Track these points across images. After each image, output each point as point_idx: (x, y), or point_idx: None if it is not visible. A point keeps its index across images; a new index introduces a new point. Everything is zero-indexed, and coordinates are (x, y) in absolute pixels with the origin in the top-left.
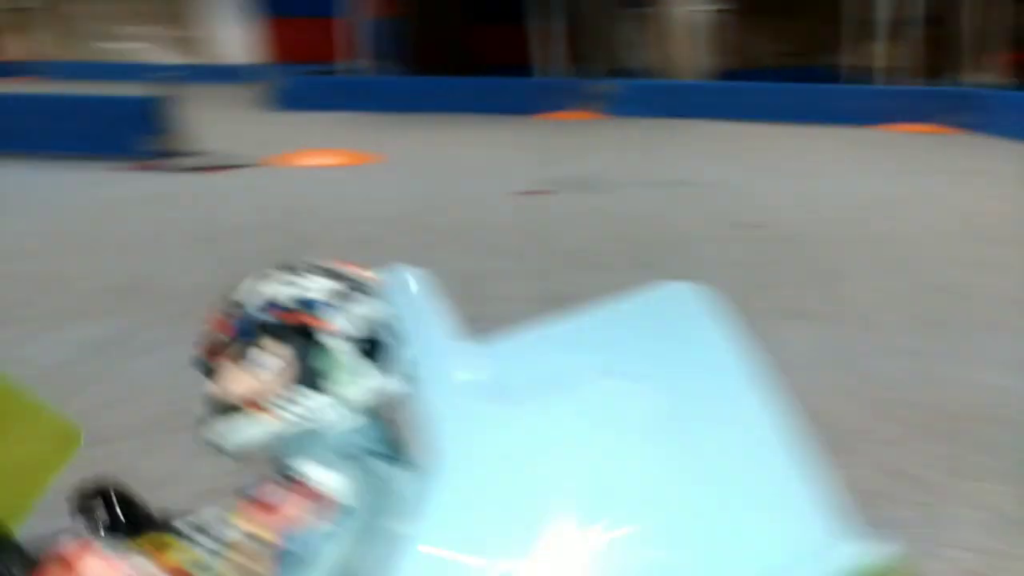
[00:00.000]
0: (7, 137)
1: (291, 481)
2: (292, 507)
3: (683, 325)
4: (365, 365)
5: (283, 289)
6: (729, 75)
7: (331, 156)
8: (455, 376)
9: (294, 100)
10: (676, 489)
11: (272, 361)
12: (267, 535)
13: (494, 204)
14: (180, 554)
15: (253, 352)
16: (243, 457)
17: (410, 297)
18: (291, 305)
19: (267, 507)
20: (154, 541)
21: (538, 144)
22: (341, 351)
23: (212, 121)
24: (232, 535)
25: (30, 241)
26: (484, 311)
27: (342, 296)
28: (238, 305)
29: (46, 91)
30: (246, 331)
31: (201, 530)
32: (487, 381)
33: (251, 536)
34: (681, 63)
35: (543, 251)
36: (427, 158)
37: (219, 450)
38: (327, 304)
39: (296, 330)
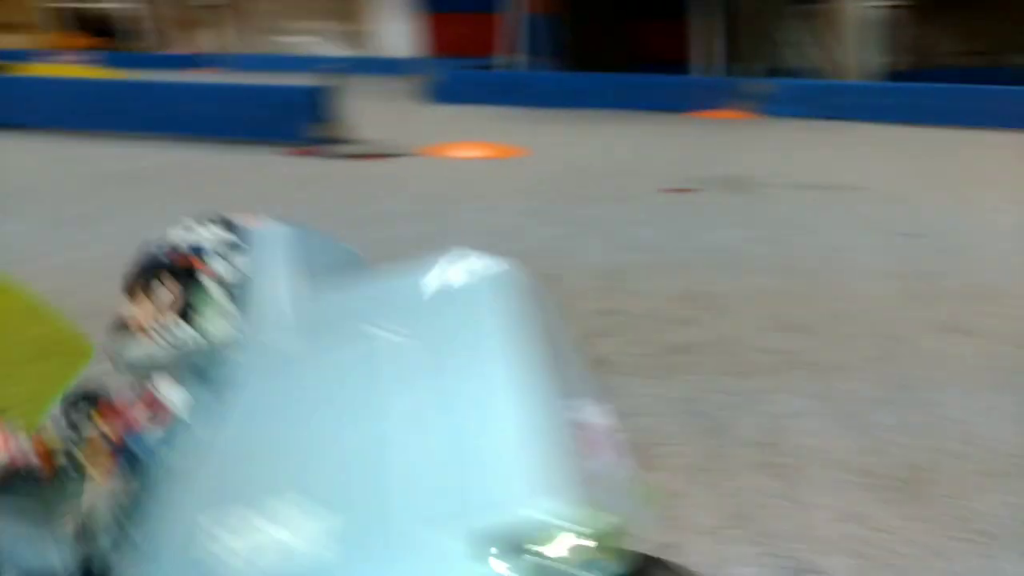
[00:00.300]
0: (192, 121)
1: (142, 391)
2: (135, 412)
3: (474, 303)
4: (230, 307)
5: (184, 235)
6: (898, 75)
7: (480, 148)
8: (267, 327)
9: (450, 93)
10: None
11: (164, 294)
12: (111, 434)
13: (638, 199)
14: (54, 442)
15: (154, 284)
16: (127, 371)
17: (271, 251)
18: (185, 250)
19: (117, 410)
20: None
21: (687, 142)
22: (214, 292)
23: (372, 111)
24: (90, 431)
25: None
26: (623, 305)
27: (228, 246)
28: (152, 245)
29: (226, 81)
30: (151, 267)
31: (74, 424)
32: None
33: (101, 434)
34: (847, 62)
35: (685, 249)
36: (574, 153)
37: (111, 361)
38: (212, 252)
39: (184, 271)
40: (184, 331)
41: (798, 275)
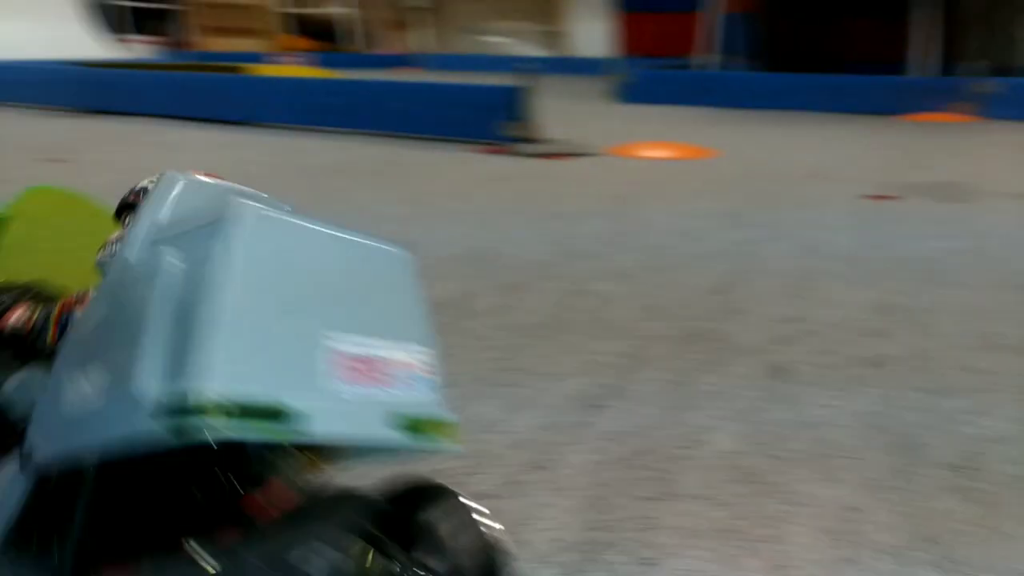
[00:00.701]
0: (396, 119)
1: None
2: (77, 300)
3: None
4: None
5: (143, 183)
6: None
7: (670, 149)
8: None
9: (642, 93)
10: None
11: (129, 221)
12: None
13: (835, 205)
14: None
15: (124, 215)
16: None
17: (160, 193)
18: (138, 190)
19: (78, 299)
20: None
21: (894, 147)
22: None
23: (564, 111)
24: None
25: (400, 208)
26: (810, 313)
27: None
28: (129, 190)
29: (427, 80)
30: (123, 204)
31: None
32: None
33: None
34: None
35: (882, 258)
36: (768, 156)
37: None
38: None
39: (133, 206)
40: (114, 248)
41: (1010, 292)
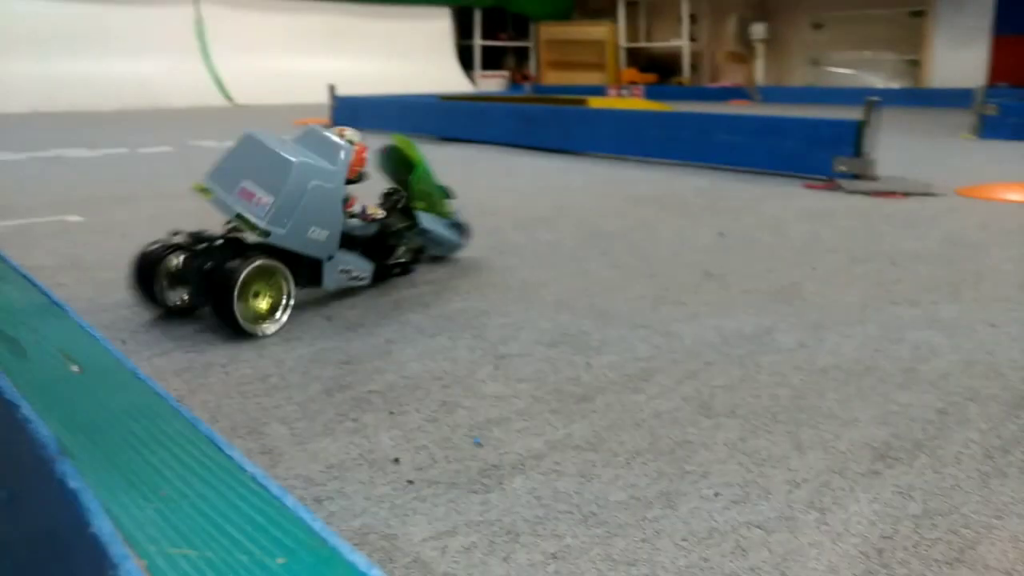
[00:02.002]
0: (720, 151)
1: None
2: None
3: None
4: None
5: (352, 135)
6: None
7: None
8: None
9: (1009, 128)
10: None
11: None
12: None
13: None
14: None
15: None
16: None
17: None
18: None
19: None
20: None
21: None
22: None
23: (910, 146)
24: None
25: (705, 239)
26: None
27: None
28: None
29: (755, 113)
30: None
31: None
32: None
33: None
34: None
35: None
36: None
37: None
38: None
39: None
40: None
41: None
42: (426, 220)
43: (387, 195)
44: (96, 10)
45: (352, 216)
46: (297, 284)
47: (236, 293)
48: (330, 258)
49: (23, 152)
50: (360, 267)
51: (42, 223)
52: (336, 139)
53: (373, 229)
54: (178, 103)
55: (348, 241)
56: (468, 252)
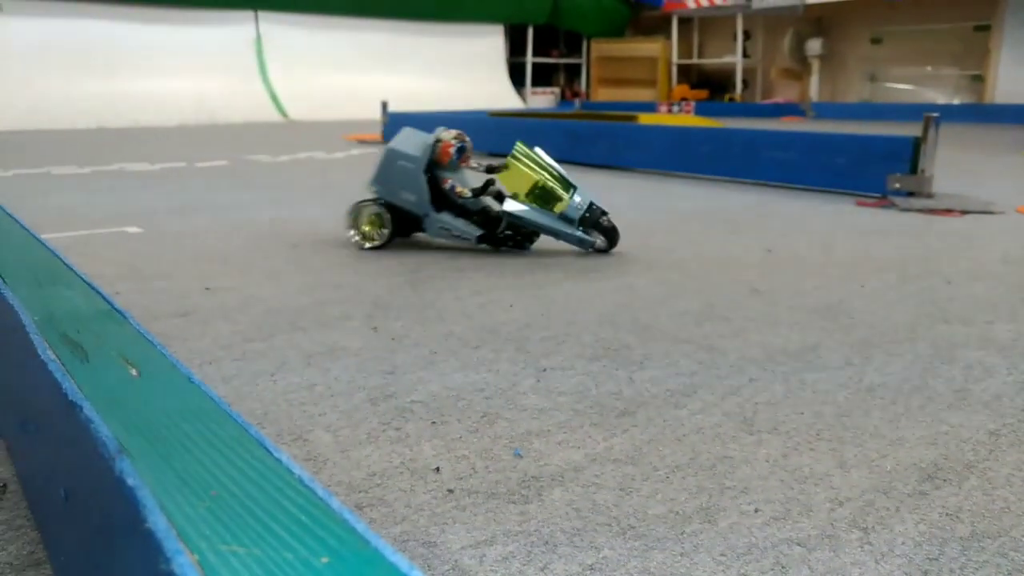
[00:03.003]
0: (771, 168)
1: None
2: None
3: None
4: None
5: (445, 135)
6: None
7: None
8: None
9: None
10: None
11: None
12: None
13: None
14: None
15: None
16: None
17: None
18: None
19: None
20: None
21: None
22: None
23: (970, 164)
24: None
25: (749, 255)
26: None
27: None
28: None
29: (807, 129)
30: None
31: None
32: None
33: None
34: None
35: None
36: None
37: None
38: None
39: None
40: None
41: None
42: (511, 206)
43: (485, 183)
44: (160, 30)
45: (446, 192)
46: (409, 230)
47: (353, 218)
48: (426, 215)
49: (88, 166)
50: (462, 230)
51: (103, 234)
52: (424, 137)
53: (480, 205)
54: (235, 119)
55: (461, 211)
56: (511, 264)
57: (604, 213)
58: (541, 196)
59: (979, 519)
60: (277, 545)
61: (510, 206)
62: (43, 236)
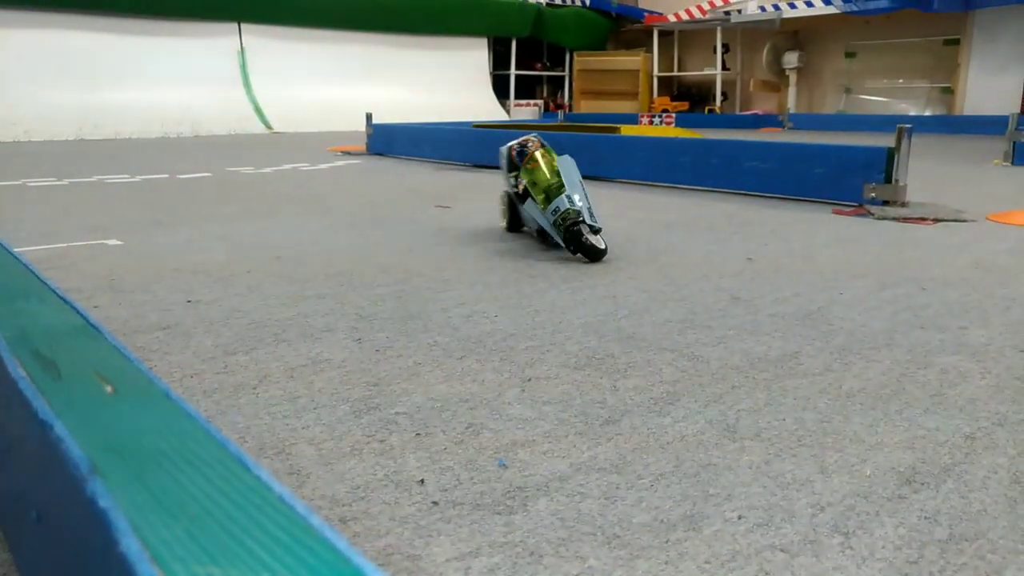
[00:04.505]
0: (749, 178)
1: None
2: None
3: None
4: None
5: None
6: None
7: None
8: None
9: None
10: None
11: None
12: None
13: None
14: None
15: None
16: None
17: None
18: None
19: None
20: None
21: None
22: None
23: (942, 173)
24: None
25: (733, 263)
26: None
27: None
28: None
29: (783, 140)
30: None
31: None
32: None
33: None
34: None
35: None
36: None
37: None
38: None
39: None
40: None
41: None
42: (526, 205)
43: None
44: (143, 41)
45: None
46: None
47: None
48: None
49: (66, 178)
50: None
51: (81, 246)
52: (506, 147)
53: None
54: (218, 130)
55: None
56: (497, 275)
57: (594, 230)
58: (542, 197)
59: (956, 521)
60: (256, 566)
61: (527, 206)
62: (18, 249)
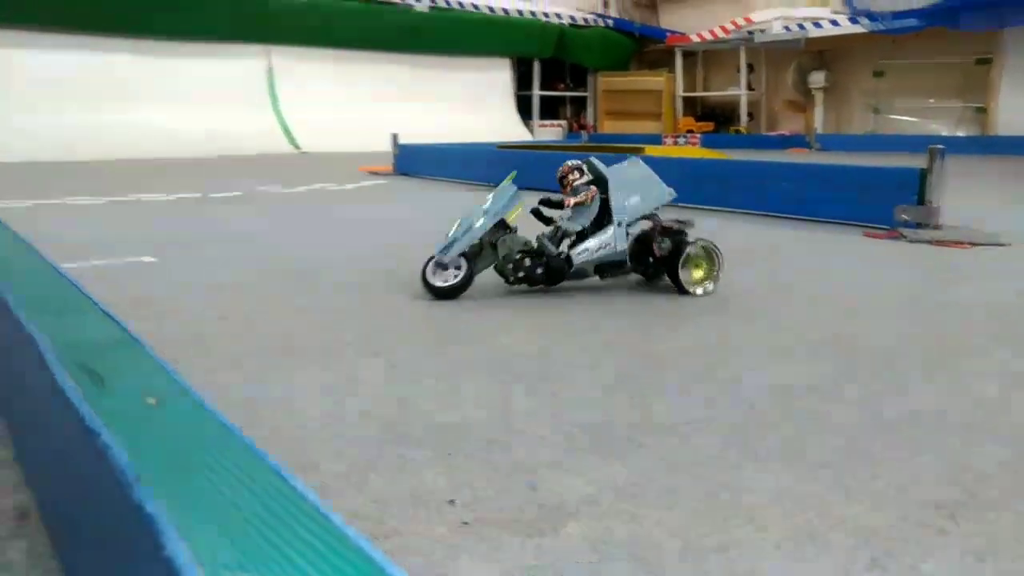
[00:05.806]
0: (777, 199)
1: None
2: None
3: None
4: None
5: (570, 162)
6: None
7: None
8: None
9: None
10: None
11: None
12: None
13: None
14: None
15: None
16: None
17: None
18: (573, 166)
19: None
20: None
21: None
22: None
23: (978, 195)
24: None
25: (747, 281)
26: None
27: (583, 168)
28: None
29: (813, 161)
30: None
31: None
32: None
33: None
34: None
35: None
36: None
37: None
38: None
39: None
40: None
41: None
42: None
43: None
44: (178, 64)
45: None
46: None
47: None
48: None
49: (104, 197)
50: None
51: (120, 263)
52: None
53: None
54: (248, 150)
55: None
56: (533, 295)
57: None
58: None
59: (1001, 555)
60: (292, 571)
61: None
62: (61, 266)
